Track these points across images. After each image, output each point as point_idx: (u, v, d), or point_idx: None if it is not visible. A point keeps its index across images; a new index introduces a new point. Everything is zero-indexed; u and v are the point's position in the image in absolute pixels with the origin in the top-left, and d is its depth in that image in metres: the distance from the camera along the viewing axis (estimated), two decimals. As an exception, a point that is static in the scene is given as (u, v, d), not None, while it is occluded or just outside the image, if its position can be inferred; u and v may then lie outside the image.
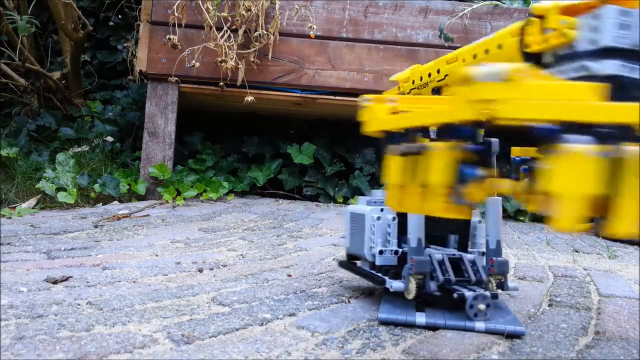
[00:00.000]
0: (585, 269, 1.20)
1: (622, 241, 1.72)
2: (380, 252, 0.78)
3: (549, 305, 0.87)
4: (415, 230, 0.74)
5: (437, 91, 0.72)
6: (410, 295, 0.73)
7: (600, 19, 0.44)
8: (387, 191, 0.52)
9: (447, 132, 0.46)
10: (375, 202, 0.83)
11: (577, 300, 0.91)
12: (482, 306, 0.70)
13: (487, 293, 0.71)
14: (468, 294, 0.70)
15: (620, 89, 0.44)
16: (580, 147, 0.36)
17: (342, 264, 0.90)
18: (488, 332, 0.70)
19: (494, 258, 0.76)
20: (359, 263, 0.87)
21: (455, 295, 0.71)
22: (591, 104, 0.38)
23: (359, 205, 0.84)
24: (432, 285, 0.73)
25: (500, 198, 0.78)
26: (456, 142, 0.44)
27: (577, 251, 1.49)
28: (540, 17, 0.50)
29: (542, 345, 0.68)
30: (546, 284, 1.02)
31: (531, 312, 0.82)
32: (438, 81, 0.70)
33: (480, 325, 0.70)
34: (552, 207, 0.37)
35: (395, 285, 0.74)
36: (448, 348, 0.64)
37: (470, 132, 0.44)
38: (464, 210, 0.45)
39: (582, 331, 0.75)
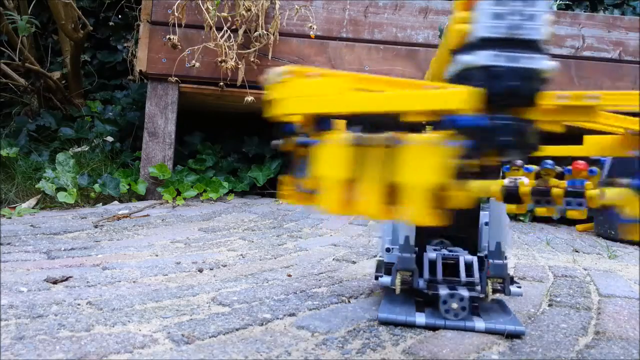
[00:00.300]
0: (585, 269, 1.20)
1: (622, 241, 1.72)
2: (388, 250, 0.79)
3: (549, 305, 0.87)
4: (404, 229, 0.75)
5: None
6: (397, 290, 0.74)
7: (478, 10, 0.44)
8: None
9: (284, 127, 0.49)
10: None
11: (577, 300, 0.91)
12: (455, 305, 0.70)
13: (465, 293, 0.71)
14: (442, 292, 0.70)
15: (496, 78, 0.43)
16: (333, 136, 0.40)
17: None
18: (488, 332, 0.70)
19: (490, 260, 0.76)
20: None
21: (430, 292, 0.72)
22: (332, 97, 0.41)
23: None
24: (421, 283, 0.74)
25: None
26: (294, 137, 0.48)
27: (577, 251, 1.49)
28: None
29: (542, 345, 0.68)
30: (546, 284, 1.02)
31: (531, 312, 0.82)
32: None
33: (480, 325, 0.70)
34: (318, 190, 0.41)
35: (382, 279, 0.75)
36: (448, 348, 0.64)
37: (291, 129, 0.48)
38: (310, 198, 0.47)
39: (582, 331, 0.75)
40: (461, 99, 0.38)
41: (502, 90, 0.42)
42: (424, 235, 0.78)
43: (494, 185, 0.47)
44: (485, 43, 0.43)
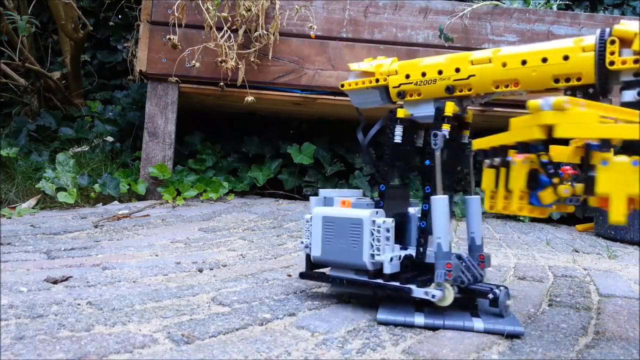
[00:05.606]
0: (585, 269, 1.20)
1: (622, 241, 1.72)
2: None
3: (549, 305, 0.87)
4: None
5: (451, 89, 0.74)
6: None
7: None
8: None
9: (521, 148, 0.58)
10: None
11: (577, 300, 0.91)
12: None
13: None
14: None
15: None
16: (622, 158, 0.51)
17: None
18: (487, 332, 0.70)
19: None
20: None
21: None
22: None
23: None
24: None
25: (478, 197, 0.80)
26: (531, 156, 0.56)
27: (577, 251, 1.49)
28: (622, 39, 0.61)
29: (542, 345, 0.68)
30: (546, 284, 1.02)
31: (531, 312, 0.82)
32: (455, 80, 0.73)
33: (479, 325, 0.70)
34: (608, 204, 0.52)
35: None
36: (448, 348, 0.64)
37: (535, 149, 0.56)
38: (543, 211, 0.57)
39: (582, 331, 0.75)
40: None
41: None
42: None
43: None
44: None
